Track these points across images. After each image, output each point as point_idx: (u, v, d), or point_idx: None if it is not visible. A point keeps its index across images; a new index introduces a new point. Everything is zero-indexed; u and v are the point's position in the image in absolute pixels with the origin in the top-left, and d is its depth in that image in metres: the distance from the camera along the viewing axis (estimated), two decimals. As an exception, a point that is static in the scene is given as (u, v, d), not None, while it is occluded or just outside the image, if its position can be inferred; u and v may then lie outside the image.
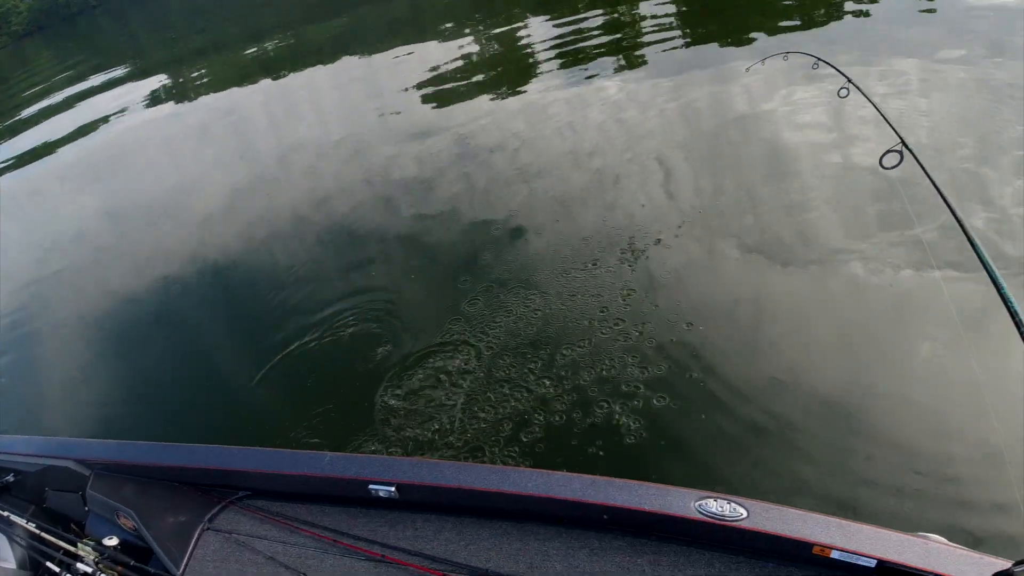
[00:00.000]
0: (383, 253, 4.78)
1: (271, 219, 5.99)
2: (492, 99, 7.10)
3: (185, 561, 1.85)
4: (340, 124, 7.75)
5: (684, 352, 3.18)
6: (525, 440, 2.89)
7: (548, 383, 3.18)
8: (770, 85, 5.64)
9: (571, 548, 1.63)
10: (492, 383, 3.22)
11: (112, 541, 2.04)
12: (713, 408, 2.88)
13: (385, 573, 1.72)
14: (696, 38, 7.57)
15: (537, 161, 5.42)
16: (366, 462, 1.83)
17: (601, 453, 2.77)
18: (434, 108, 7.30)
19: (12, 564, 2.33)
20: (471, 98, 7.27)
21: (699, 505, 1.56)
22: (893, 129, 2.26)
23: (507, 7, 10.51)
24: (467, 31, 9.93)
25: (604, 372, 3.18)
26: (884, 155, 2.16)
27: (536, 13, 9.93)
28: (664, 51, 7.20)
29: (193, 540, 1.90)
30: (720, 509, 1.54)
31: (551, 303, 3.67)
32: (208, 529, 1.93)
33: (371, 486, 1.79)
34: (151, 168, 8.30)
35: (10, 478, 2.44)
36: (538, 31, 8.91)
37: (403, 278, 4.42)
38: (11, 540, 2.37)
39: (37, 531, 2.27)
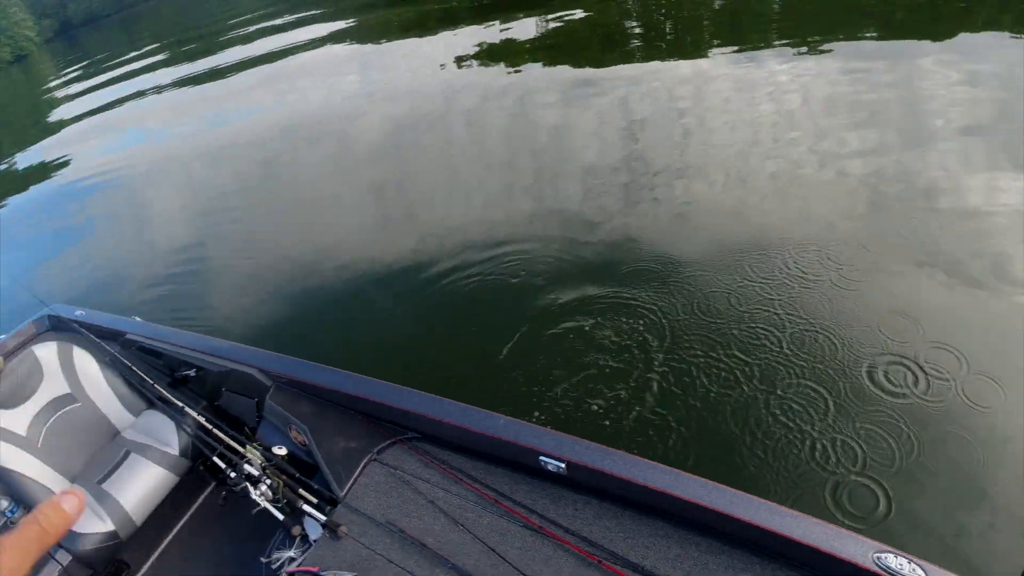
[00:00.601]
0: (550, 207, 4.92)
1: (447, 158, 6.32)
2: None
3: (349, 485, 1.94)
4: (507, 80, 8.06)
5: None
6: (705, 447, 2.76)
7: (744, 385, 2.97)
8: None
9: (734, 569, 1.62)
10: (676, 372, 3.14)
11: (281, 451, 2.14)
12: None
13: (540, 544, 1.75)
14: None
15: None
16: (539, 433, 1.88)
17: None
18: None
19: (175, 450, 2.53)
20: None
21: (878, 558, 1.51)
22: None
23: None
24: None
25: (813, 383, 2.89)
26: None
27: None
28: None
29: (359, 468, 1.98)
30: (899, 566, 1.49)
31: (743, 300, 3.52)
32: (375, 460, 2.00)
33: (541, 457, 1.83)
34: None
35: (191, 372, 2.65)
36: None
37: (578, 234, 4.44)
38: (179, 428, 2.55)
39: (207, 424, 2.46)
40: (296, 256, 5.27)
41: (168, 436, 2.53)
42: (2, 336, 3.45)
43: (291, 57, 13.43)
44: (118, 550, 2.38)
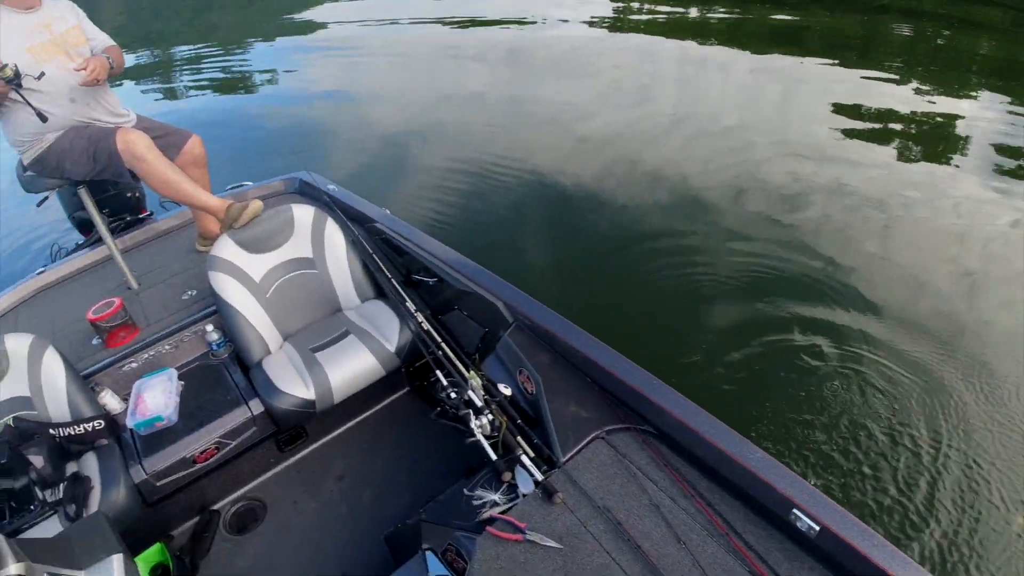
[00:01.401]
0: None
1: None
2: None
3: (572, 453, 1.83)
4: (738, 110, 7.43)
5: None
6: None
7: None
8: None
9: None
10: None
11: (507, 390, 2.05)
12: None
13: None
14: None
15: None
16: (795, 482, 1.63)
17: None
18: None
19: (392, 346, 2.57)
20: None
21: None
22: None
23: (968, 73, 9.08)
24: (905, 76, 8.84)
25: None
26: None
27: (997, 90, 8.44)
28: None
29: (586, 440, 1.86)
30: None
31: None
32: (602, 439, 1.88)
33: (795, 511, 1.61)
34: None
35: (428, 280, 2.69)
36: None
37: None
38: (403, 325, 2.57)
39: (435, 332, 2.46)
40: (577, 200, 5.25)
41: (389, 330, 2.58)
42: (251, 183, 3.75)
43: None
44: (306, 418, 2.48)
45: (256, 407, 2.45)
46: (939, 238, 4.70)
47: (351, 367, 2.49)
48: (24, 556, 1.18)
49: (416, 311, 2.52)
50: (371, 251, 2.80)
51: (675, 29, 10.95)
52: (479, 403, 2.00)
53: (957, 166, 6.23)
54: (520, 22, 11.53)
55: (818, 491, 1.61)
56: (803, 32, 10.89)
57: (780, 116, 7.28)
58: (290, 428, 2.68)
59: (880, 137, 6.75)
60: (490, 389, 2.08)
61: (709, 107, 7.52)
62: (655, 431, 1.87)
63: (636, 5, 12.80)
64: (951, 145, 6.79)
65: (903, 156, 6.39)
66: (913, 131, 7.08)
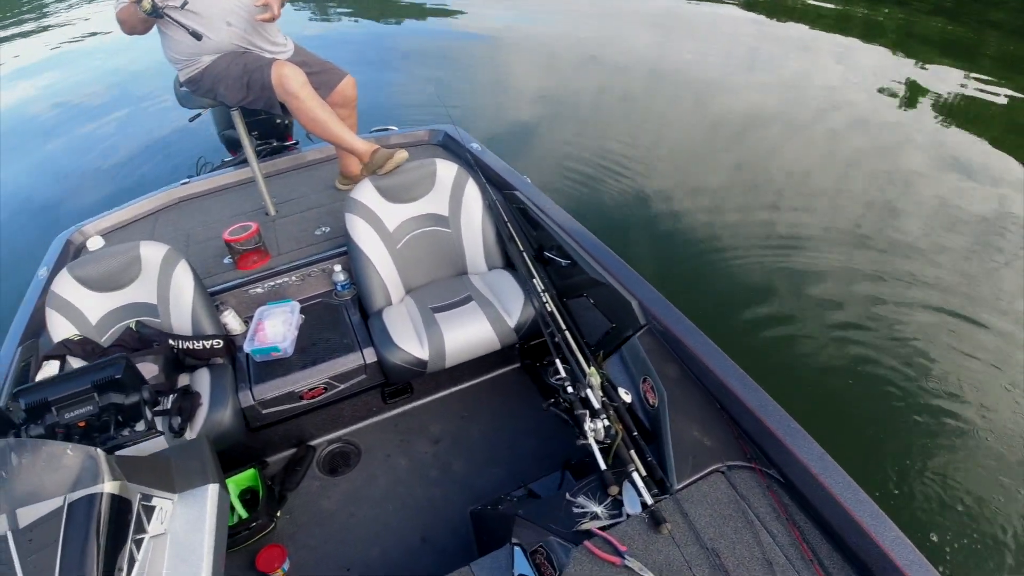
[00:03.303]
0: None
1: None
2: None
3: (688, 482, 1.70)
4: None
5: None
6: None
7: None
8: None
9: None
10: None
11: (627, 396, 1.92)
12: None
13: None
14: None
15: None
16: (929, 573, 1.43)
17: None
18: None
19: (512, 321, 2.43)
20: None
21: None
22: None
23: None
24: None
25: None
26: None
27: None
28: None
29: (704, 471, 1.72)
30: None
31: None
32: (722, 473, 1.74)
33: None
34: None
35: (560, 261, 2.57)
36: None
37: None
38: (527, 301, 2.45)
39: (559, 315, 2.31)
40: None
41: (512, 304, 2.50)
42: (395, 128, 3.73)
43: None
44: (415, 376, 2.45)
45: (369, 356, 2.45)
46: None
47: (468, 334, 2.43)
48: (120, 474, 1.18)
49: (543, 290, 2.42)
50: (507, 219, 2.71)
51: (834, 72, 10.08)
52: (597, 404, 1.88)
53: None
54: None
55: None
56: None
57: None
58: (398, 382, 2.68)
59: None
60: (609, 391, 1.95)
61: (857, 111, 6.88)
62: (781, 477, 1.69)
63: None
64: None
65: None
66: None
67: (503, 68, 7.86)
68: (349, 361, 2.44)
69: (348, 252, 2.64)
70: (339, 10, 11.01)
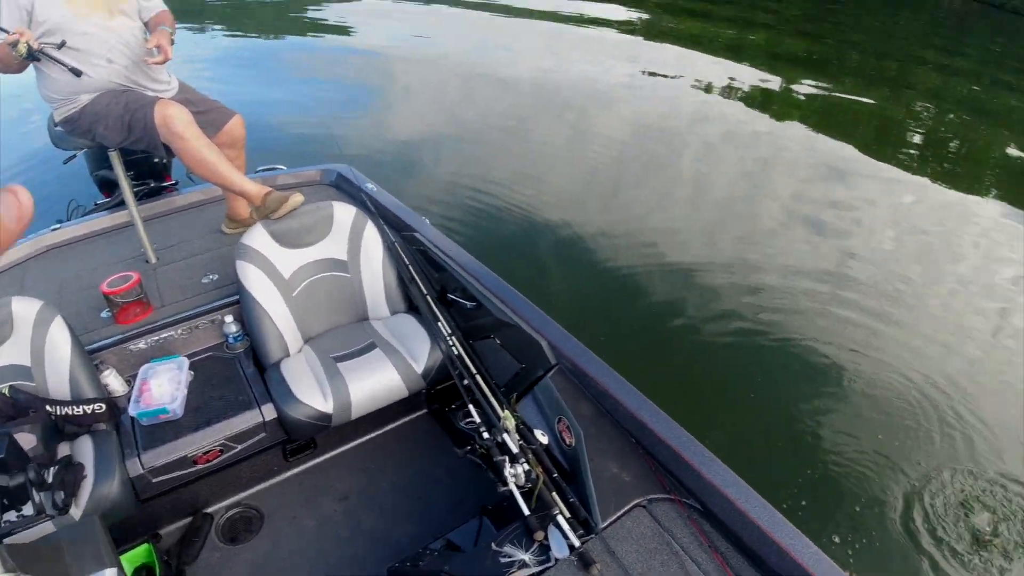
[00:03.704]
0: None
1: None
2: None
3: (612, 520, 1.72)
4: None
5: None
6: None
7: None
8: None
9: None
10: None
11: (543, 438, 1.93)
12: None
13: None
14: None
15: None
16: None
17: None
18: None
19: (419, 367, 2.40)
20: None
21: None
22: None
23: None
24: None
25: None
26: None
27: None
28: None
29: (627, 507, 1.74)
30: None
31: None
32: (644, 508, 1.76)
33: None
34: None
35: (467, 303, 2.56)
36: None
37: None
38: (433, 346, 2.42)
39: (468, 360, 2.28)
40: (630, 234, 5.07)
41: (418, 349, 2.45)
42: (284, 168, 3.60)
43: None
44: (320, 431, 2.34)
45: (268, 412, 2.30)
46: None
47: (374, 383, 2.35)
48: (13, 565, 1.10)
49: (450, 333, 2.39)
50: (407, 261, 2.67)
51: (707, 87, 10.96)
52: (515, 449, 1.86)
53: None
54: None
55: None
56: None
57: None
58: (300, 439, 2.54)
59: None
60: (525, 434, 1.95)
61: (732, 169, 7.45)
62: (700, 506, 1.75)
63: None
64: None
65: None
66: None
67: (398, 94, 7.84)
68: (246, 419, 2.29)
69: (240, 301, 2.49)
70: (217, 28, 10.58)
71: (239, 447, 2.30)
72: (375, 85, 8.21)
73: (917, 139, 9.57)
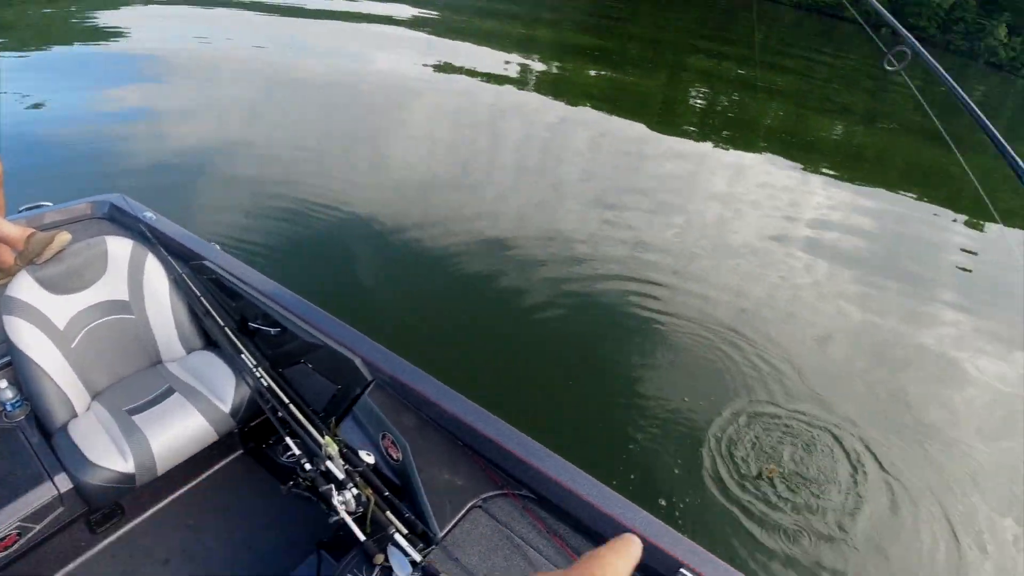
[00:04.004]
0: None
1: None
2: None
3: (450, 526, 1.67)
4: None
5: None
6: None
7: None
8: None
9: None
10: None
11: (369, 458, 1.86)
12: None
13: None
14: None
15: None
16: (680, 541, 1.58)
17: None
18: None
19: (226, 406, 2.22)
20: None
21: None
22: None
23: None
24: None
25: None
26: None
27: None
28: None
29: (463, 510, 1.70)
30: None
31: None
32: (480, 508, 1.72)
33: (682, 570, 1.56)
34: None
35: (269, 330, 2.37)
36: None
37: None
38: (239, 382, 2.26)
39: (279, 392, 2.16)
40: (416, 233, 4.91)
41: (222, 387, 2.24)
42: (50, 204, 3.15)
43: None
44: (124, 494, 2.08)
45: (63, 483, 1.98)
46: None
47: (177, 432, 2.12)
48: None
49: (255, 365, 2.21)
50: (199, 293, 2.43)
51: (502, 79, 11.31)
52: (341, 475, 1.76)
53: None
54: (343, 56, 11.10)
55: (703, 549, 1.60)
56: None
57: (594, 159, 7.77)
58: (104, 506, 2.22)
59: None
60: (350, 457, 1.85)
61: (536, 152, 7.78)
62: (534, 495, 1.77)
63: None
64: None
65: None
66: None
67: (181, 106, 7.09)
68: (39, 495, 1.96)
69: (12, 362, 2.13)
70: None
71: (37, 527, 1.96)
72: (155, 96, 7.35)
73: (697, 114, 10.68)
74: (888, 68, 1.89)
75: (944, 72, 1.75)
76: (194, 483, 2.51)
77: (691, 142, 9.25)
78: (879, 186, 8.78)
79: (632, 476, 3.11)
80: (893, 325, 5.05)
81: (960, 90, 1.74)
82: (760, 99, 12.38)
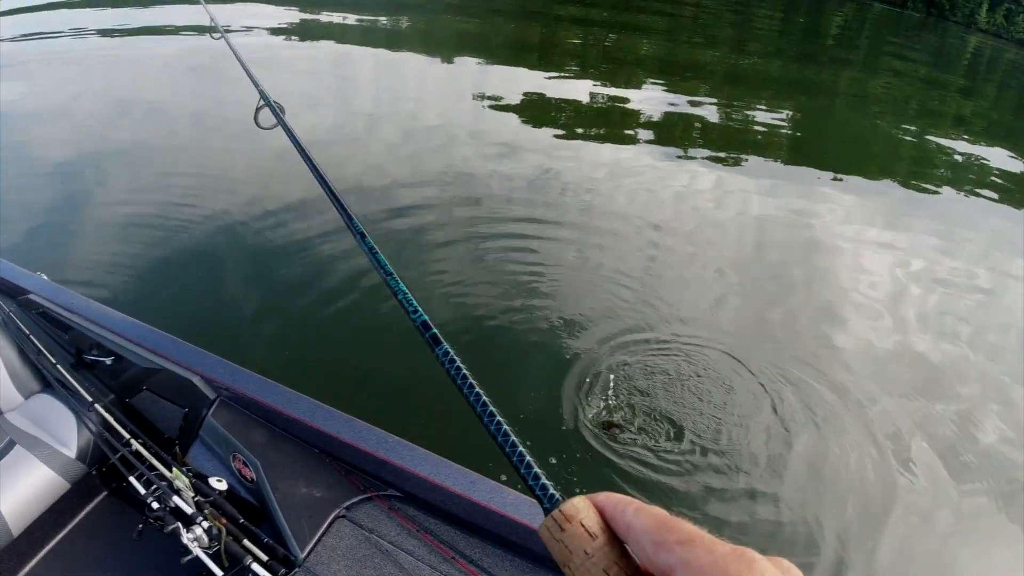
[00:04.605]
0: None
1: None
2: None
3: (311, 545, 1.57)
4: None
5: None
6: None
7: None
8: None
9: None
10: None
11: (221, 484, 1.73)
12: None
13: None
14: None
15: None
16: None
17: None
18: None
19: (71, 451, 2.04)
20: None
21: None
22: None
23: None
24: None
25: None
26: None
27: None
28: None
29: (325, 524, 1.62)
30: None
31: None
32: (344, 518, 1.64)
33: None
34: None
35: (104, 359, 2.16)
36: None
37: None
38: (80, 423, 2.07)
39: (120, 428, 1.98)
40: (255, 234, 4.51)
41: (64, 432, 2.05)
42: None
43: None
44: None
45: None
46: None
47: (24, 488, 1.94)
48: None
49: (93, 401, 2.02)
50: (27, 332, 2.19)
51: (367, 36, 10.85)
52: (190, 509, 1.64)
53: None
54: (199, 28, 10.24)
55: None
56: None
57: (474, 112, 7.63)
58: None
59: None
60: (200, 487, 1.72)
61: (407, 109, 7.53)
62: (400, 494, 1.70)
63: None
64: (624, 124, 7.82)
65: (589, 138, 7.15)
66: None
67: None
68: None
69: None
70: None
71: None
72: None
73: (575, 55, 10.75)
74: None
75: None
76: (61, 536, 2.31)
77: (573, 79, 9.39)
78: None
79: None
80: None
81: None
82: (633, 38, 12.67)
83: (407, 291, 0.78)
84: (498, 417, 0.56)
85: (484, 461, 2.77)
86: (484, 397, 0.58)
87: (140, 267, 4.05)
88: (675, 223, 5.24)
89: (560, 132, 7.03)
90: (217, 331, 3.52)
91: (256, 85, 1.78)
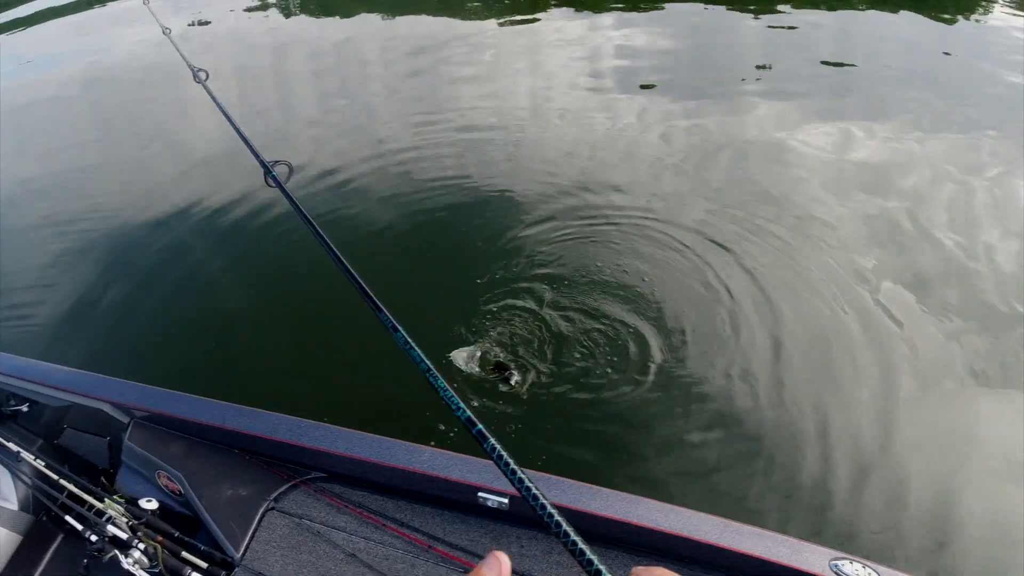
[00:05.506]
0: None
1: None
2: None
3: (245, 543, 1.62)
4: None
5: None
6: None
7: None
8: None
9: None
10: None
11: (151, 504, 1.76)
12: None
13: None
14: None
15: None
16: (475, 466, 1.63)
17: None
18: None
19: (13, 504, 2.04)
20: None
21: (835, 565, 1.46)
22: None
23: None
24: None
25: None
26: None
27: None
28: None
29: (255, 520, 1.66)
30: (855, 572, 1.45)
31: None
32: (273, 509, 1.69)
33: (480, 493, 1.60)
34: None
35: (23, 408, 2.14)
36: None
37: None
38: (14, 476, 2.08)
39: (48, 471, 1.99)
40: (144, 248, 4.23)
41: (2, 486, 2.04)
42: None
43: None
44: None
45: None
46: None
47: None
48: None
49: (20, 450, 2.01)
50: None
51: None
52: (125, 534, 1.67)
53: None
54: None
55: (497, 466, 1.63)
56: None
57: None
58: None
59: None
60: (132, 511, 1.74)
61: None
62: (324, 475, 1.74)
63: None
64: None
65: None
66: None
67: None
68: None
69: None
70: None
71: None
72: None
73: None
74: None
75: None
76: None
77: (479, 20, 9.05)
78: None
79: (427, 414, 2.69)
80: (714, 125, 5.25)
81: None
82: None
83: (447, 387, 0.81)
84: (549, 508, 0.62)
85: (396, 422, 2.66)
86: (536, 490, 0.64)
87: (33, 305, 3.80)
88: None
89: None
90: (121, 354, 3.30)
91: (257, 156, 1.54)
